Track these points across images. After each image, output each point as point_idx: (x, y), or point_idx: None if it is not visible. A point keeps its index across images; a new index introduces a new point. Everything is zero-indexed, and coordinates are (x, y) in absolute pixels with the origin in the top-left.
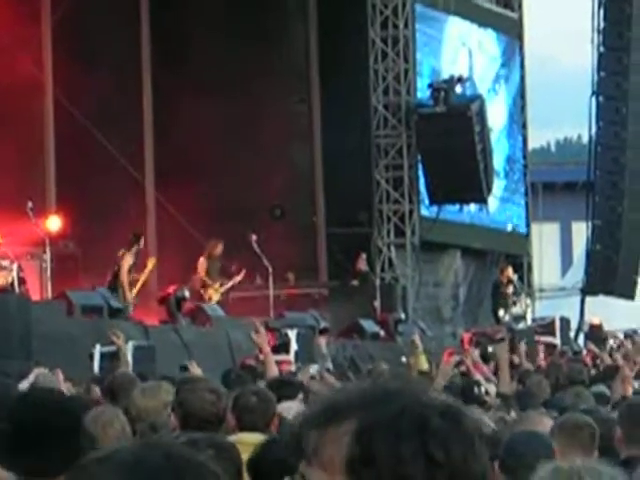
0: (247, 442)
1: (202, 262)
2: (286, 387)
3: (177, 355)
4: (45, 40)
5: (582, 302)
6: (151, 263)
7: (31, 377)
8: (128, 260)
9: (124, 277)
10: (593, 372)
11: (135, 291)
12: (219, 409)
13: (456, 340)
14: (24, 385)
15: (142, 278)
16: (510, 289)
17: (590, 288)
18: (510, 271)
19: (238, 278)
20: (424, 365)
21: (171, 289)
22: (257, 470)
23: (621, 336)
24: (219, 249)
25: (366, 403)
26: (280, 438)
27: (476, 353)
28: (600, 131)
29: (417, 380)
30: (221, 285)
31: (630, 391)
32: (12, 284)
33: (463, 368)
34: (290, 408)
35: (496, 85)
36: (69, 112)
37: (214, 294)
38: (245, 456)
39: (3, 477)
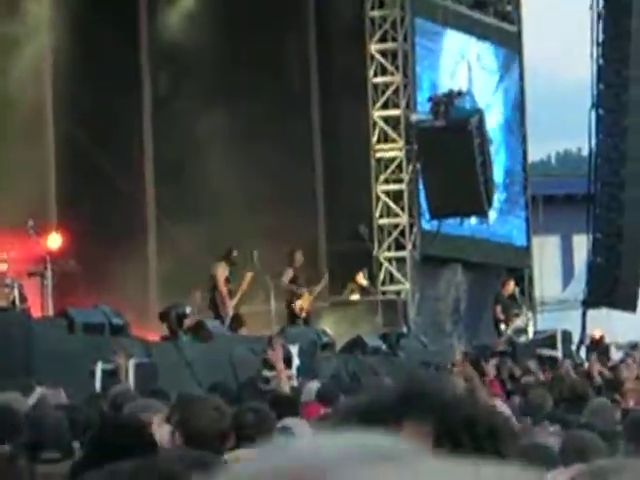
0: (245, 459)
1: (288, 272)
2: (286, 404)
3: (179, 372)
4: (46, 60)
5: (584, 315)
6: (249, 276)
7: (34, 396)
8: (223, 272)
9: (222, 287)
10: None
11: (235, 301)
12: (223, 427)
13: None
14: (25, 405)
15: (240, 290)
16: (512, 302)
17: (591, 301)
18: (512, 284)
19: (321, 285)
20: None
21: (172, 305)
22: None
23: (625, 348)
24: (299, 258)
25: (436, 405)
26: None
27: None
28: (600, 143)
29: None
30: (310, 293)
31: (631, 403)
32: (13, 302)
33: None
34: (297, 424)
35: (495, 98)
36: (69, 130)
37: (305, 303)
38: None
39: None
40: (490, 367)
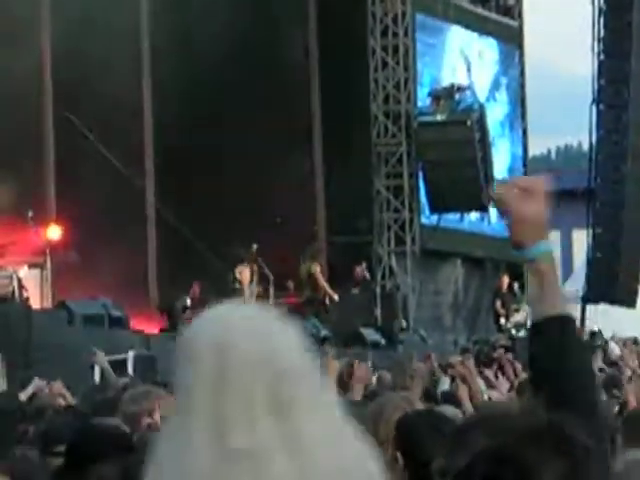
0: None
1: (317, 269)
2: None
3: None
4: (44, 45)
5: (583, 310)
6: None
7: (30, 389)
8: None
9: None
10: None
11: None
12: None
13: (457, 348)
14: (23, 397)
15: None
16: (511, 297)
17: (591, 296)
18: (506, 279)
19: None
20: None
21: (172, 297)
22: None
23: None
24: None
25: None
26: None
27: (471, 361)
28: (601, 139)
29: None
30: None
31: (632, 401)
32: (13, 293)
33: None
34: None
35: (496, 93)
36: (69, 120)
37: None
38: None
39: None
40: (489, 373)
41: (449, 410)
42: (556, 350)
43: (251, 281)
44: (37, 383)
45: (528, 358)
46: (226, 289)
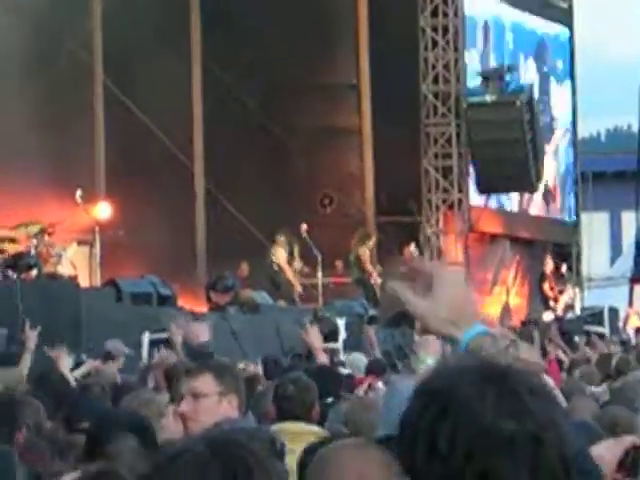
0: (287, 431)
1: (366, 253)
2: (331, 378)
3: (226, 343)
4: (95, 27)
5: (631, 291)
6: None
7: (83, 368)
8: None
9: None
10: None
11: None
12: None
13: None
14: (77, 374)
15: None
16: (558, 278)
17: (639, 277)
18: (550, 261)
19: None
20: None
21: (220, 276)
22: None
23: None
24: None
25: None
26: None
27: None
28: None
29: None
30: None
31: None
32: (61, 271)
33: None
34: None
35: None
36: (119, 99)
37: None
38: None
39: None
40: (551, 347)
41: None
42: None
43: (291, 261)
44: (92, 363)
45: None
46: (272, 269)
